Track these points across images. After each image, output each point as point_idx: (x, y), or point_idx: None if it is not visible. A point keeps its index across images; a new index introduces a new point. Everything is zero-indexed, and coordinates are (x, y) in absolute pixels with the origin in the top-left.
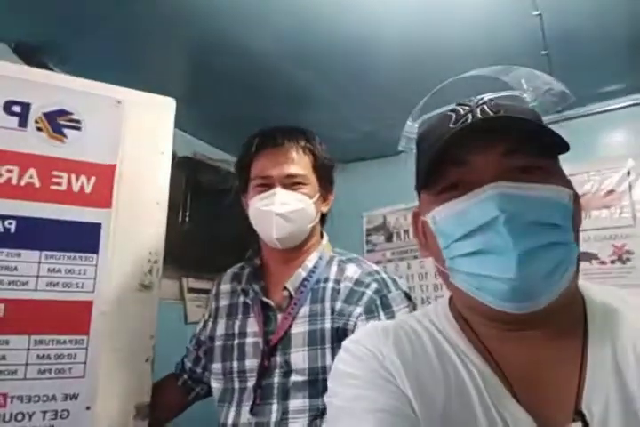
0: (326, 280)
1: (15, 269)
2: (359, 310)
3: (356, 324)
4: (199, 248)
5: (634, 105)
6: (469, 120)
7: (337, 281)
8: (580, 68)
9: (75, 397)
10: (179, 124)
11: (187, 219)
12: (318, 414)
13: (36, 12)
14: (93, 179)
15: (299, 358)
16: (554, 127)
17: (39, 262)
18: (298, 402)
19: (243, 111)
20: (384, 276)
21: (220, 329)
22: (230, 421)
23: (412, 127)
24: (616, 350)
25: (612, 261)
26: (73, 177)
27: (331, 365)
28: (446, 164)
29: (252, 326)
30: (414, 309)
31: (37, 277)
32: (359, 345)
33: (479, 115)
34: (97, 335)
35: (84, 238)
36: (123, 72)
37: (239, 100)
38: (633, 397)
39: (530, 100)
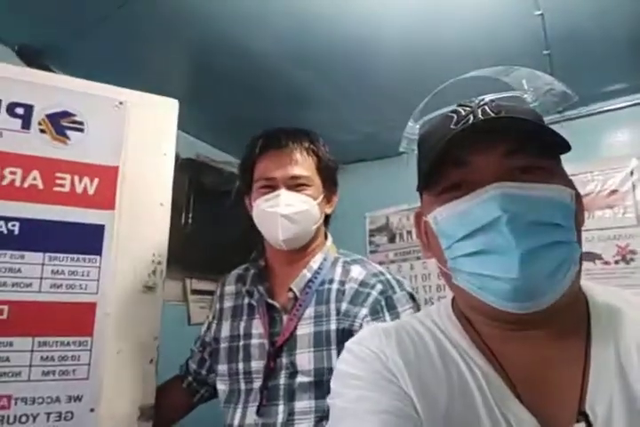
0: (331, 281)
1: (19, 270)
2: (364, 311)
3: (361, 325)
4: (202, 250)
5: (636, 104)
6: (470, 121)
7: (342, 282)
8: (583, 67)
9: (79, 398)
10: (181, 125)
11: (190, 220)
12: (324, 415)
13: (37, 14)
14: (96, 180)
15: (304, 359)
16: (556, 127)
17: (43, 264)
18: (304, 403)
19: (244, 113)
20: (389, 277)
21: (225, 331)
22: (237, 422)
23: (413, 128)
24: (619, 350)
25: (616, 262)
26: (76, 179)
27: None
28: (448, 164)
29: (258, 327)
30: (419, 310)
31: (41, 278)
32: (362, 346)
33: (480, 115)
34: (101, 337)
35: (88, 240)
36: (124, 75)
37: (240, 101)
38: (637, 397)
39: (531, 101)
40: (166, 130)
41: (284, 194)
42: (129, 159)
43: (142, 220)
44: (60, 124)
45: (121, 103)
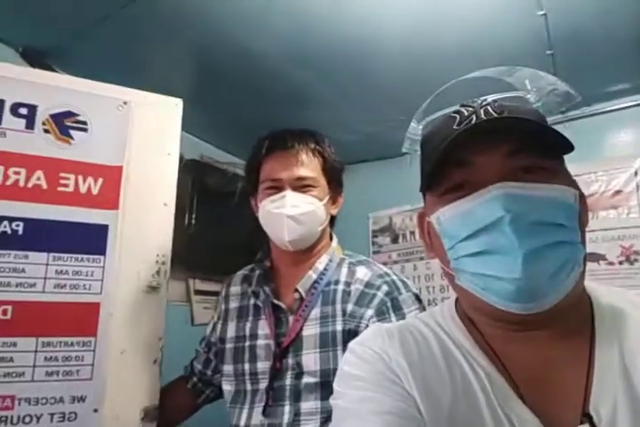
0: (337, 283)
1: (23, 271)
2: (370, 312)
3: (367, 326)
4: (205, 250)
5: None
6: (473, 121)
7: (347, 283)
8: (586, 67)
9: (82, 399)
10: (185, 126)
11: (193, 221)
12: (330, 416)
13: (41, 15)
14: (100, 180)
15: (310, 360)
16: (559, 128)
17: (47, 264)
18: (310, 404)
19: (247, 113)
20: (394, 278)
21: (231, 331)
22: (243, 422)
23: (415, 129)
24: (624, 351)
25: (620, 262)
26: (80, 179)
27: None
28: (450, 165)
29: (264, 328)
30: (424, 311)
31: (45, 278)
32: (365, 347)
33: (483, 116)
34: (104, 337)
35: (92, 240)
36: (127, 76)
37: (243, 102)
38: None
39: (534, 101)
40: (170, 129)
41: (289, 195)
42: (133, 159)
43: (146, 220)
44: (64, 124)
45: (125, 103)
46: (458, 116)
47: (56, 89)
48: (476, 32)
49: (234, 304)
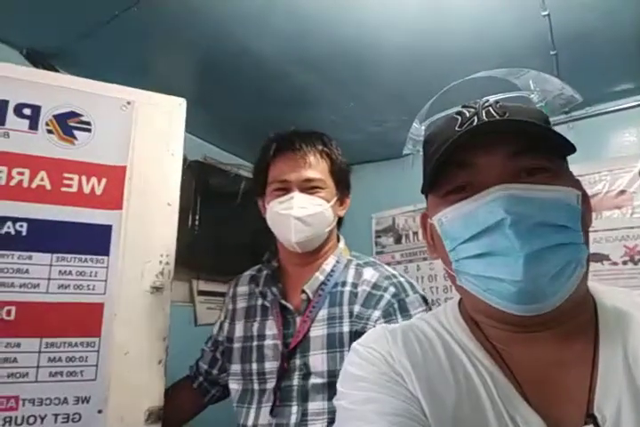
0: (344, 284)
1: (26, 271)
2: (377, 313)
3: (374, 327)
4: (209, 251)
5: None
6: (475, 122)
7: (354, 285)
8: (590, 67)
9: (86, 400)
10: (188, 127)
11: (197, 222)
12: None
13: (45, 17)
14: (104, 180)
15: (317, 360)
16: (563, 128)
17: (50, 265)
18: (317, 404)
19: (250, 114)
20: (401, 280)
21: (239, 331)
22: (251, 422)
23: (418, 130)
24: (627, 351)
25: (624, 262)
26: (84, 179)
27: None
28: (452, 166)
29: (271, 328)
30: None
31: (48, 279)
32: (368, 348)
33: (485, 117)
34: (108, 338)
35: (95, 240)
36: (129, 78)
37: (246, 103)
38: None
39: (537, 101)
40: (174, 129)
41: (297, 196)
42: (136, 159)
43: (150, 220)
44: (68, 124)
45: (128, 103)
46: (459, 118)
47: (59, 89)
48: (479, 32)
49: (241, 304)
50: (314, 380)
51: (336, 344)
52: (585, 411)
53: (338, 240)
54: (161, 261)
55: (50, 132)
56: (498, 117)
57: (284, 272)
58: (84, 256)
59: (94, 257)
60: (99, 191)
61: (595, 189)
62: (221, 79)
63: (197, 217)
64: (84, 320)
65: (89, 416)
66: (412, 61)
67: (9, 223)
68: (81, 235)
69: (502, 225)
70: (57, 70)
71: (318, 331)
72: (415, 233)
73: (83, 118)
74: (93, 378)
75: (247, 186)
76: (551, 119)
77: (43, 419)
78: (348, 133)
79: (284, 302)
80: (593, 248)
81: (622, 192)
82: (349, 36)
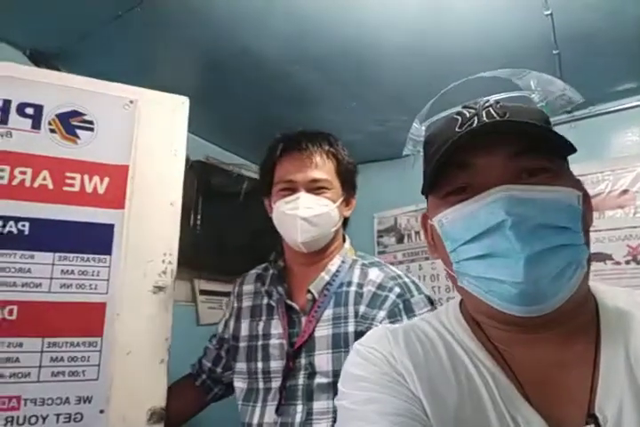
0: (349, 284)
1: (29, 271)
2: (382, 313)
3: None
4: (211, 251)
5: None
6: (475, 123)
7: (360, 285)
8: (592, 67)
9: (88, 400)
10: (190, 128)
11: (199, 222)
12: None
13: (48, 17)
14: (106, 180)
15: (322, 360)
16: (566, 127)
17: (52, 264)
18: (322, 404)
19: (252, 114)
20: (407, 280)
21: (244, 330)
22: (256, 420)
23: (418, 130)
24: (629, 352)
25: (627, 262)
26: (86, 178)
27: None
28: (452, 167)
29: (277, 327)
30: None
31: (51, 278)
32: (370, 348)
33: (485, 118)
34: (110, 337)
35: (98, 240)
36: (132, 79)
37: (248, 103)
38: None
39: (538, 101)
40: (177, 128)
41: (303, 197)
42: (139, 158)
43: (152, 219)
44: (70, 123)
45: (131, 102)
46: (460, 118)
47: (62, 88)
48: (481, 32)
49: (247, 303)
50: (319, 379)
51: (341, 344)
52: (586, 411)
53: (343, 240)
54: (163, 261)
55: (52, 131)
56: (498, 118)
57: (289, 272)
58: (86, 255)
59: (96, 256)
60: (101, 190)
61: (597, 188)
62: (223, 79)
63: (199, 217)
64: (87, 320)
65: (91, 416)
66: (413, 61)
67: (11, 222)
68: (83, 234)
69: (503, 226)
70: (60, 71)
71: (323, 331)
72: (417, 233)
73: (85, 117)
74: (95, 378)
75: (249, 186)
76: (553, 119)
77: (44, 419)
78: (349, 133)
79: (289, 301)
80: (596, 248)
81: (625, 192)
82: (351, 35)
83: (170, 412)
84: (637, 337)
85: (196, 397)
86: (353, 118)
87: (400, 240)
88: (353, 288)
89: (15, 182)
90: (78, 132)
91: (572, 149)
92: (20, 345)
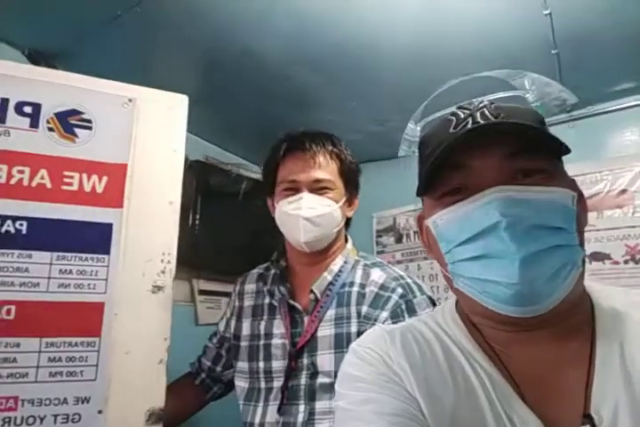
0: (352, 284)
1: (26, 270)
2: (385, 314)
3: None
4: (210, 251)
5: None
6: (469, 124)
7: (362, 285)
8: (591, 66)
9: (86, 400)
10: (189, 127)
11: (197, 221)
12: None
13: (47, 17)
14: (105, 178)
15: (325, 360)
16: (564, 127)
17: (50, 264)
18: (324, 403)
19: (251, 114)
20: (409, 281)
21: (246, 329)
22: (257, 420)
23: (413, 131)
24: (624, 352)
25: (626, 262)
26: (84, 177)
27: None
28: (447, 168)
29: (279, 327)
30: None
31: (48, 278)
32: (366, 348)
33: (479, 119)
34: (109, 337)
35: (96, 239)
36: (132, 79)
37: (248, 103)
38: None
39: (532, 100)
40: (176, 126)
41: (306, 197)
42: (138, 157)
43: (151, 218)
44: (69, 122)
45: (130, 100)
46: (454, 119)
47: (60, 87)
48: (480, 32)
49: (248, 302)
50: (321, 379)
51: (343, 344)
52: (582, 411)
53: (346, 241)
54: (162, 260)
55: (51, 130)
56: (492, 119)
57: (291, 272)
58: (84, 255)
59: (95, 256)
60: (99, 189)
61: (596, 188)
62: (223, 79)
63: (198, 216)
64: (85, 320)
65: (89, 417)
66: (413, 61)
67: (9, 222)
68: (81, 233)
69: (498, 228)
70: (57, 68)
71: (326, 331)
72: (416, 233)
73: (84, 116)
74: (93, 378)
75: (248, 186)
76: (552, 118)
77: (42, 419)
78: (348, 133)
79: (292, 301)
80: (594, 247)
81: (623, 191)
82: (350, 36)
83: (169, 411)
84: (633, 337)
85: (196, 395)
86: (352, 118)
87: (399, 240)
88: (355, 288)
89: (13, 181)
90: (77, 130)
91: (567, 150)
92: (18, 345)
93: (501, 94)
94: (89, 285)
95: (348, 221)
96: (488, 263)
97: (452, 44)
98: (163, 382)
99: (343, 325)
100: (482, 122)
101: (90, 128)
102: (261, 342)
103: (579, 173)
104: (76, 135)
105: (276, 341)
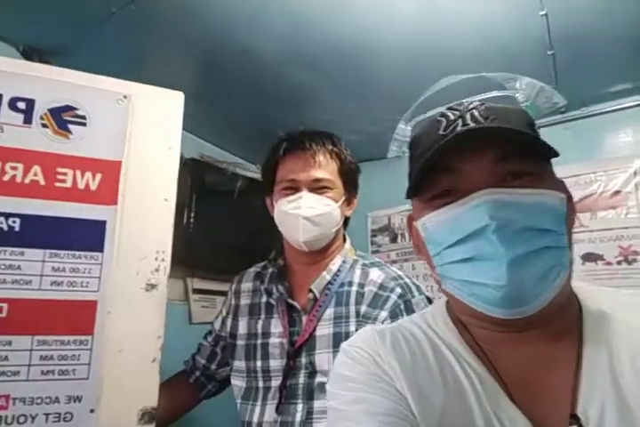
0: (350, 284)
1: (19, 267)
2: (384, 313)
3: None
4: (204, 249)
5: None
6: (459, 126)
7: (361, 285)
8: (587, 67)
9: (78, 399)
10: (185, 125)
11: (192, 220)
12: None
13: (42, 13)
14: (99, 175)
15: (323, 359)
16: (559, 128)
17: (43, 261)
18: (322, 403)
19: (247, 113)
20: (407, 281)
21: (242, 328)
22: (256, 419)
23: (404, 131)
24: (612, 352)
25: (619, 262)
26: (78, 174)
27: None
28: (437, 171)
29: (277, 326)
30: None
31: (41, 276)
32: (357, 348)
33: (469, 121)
34: (101, 336)
35: (90, 236)
36: (127, 76)
37: (243, 101)
38: (628, 401)
39: (522, 101)
40: (171, 123)
41: (306, 196)
42: (132, 154)
43: (145, 216)
44: (63, 118)
45: (125, 97)
46: (444, 120)
47: (55, 83)
48: (476, 32)
49: (245, 301)
50: (319, 378)
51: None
52: (569, 411)
53: (344, 240)
54: (157, 258)
55: (44, 126)
56: (482, 120)
57: (289, 270)
58: (77, 252)
59: (88, 253)
60: (93, 186)
61: (590, 189)
62: (218, 77)
63: (193, 215)
64: (77, 318)
65: (81, 416)
66: (410, 61)
67: (1, 219)
68: (75, 231)
69: (486, 231)
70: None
71: (324, 330)
72: None
73: (78, 112)
74: (86, 377)
75: (243, 184)
76: (547, 120)
77: (34, 418)
78: (344, 132)
79: (290, 300)
80: (587, 248)
81: (617, 192)
82: (348, 35)
83: (163, 408)
84: (620, 338)
85: (190, 393)
86: (348, 117)
87: (394, 240)
88: (354, 288)
89: (6, 178)
90: (70, 127)
91: (555, 153)
92: (9, 343)
93: (492, 94)
94: (82, 282)
95: (346, 221)
96: (477, 266)
97: (449, 45)
98: (156, 381)
99: (342, 324)
100: (471, 124)
101: (84, 124)
102: (259, 341)
103: (573, 174)
104: (69, 131)
105: (273, 340)
